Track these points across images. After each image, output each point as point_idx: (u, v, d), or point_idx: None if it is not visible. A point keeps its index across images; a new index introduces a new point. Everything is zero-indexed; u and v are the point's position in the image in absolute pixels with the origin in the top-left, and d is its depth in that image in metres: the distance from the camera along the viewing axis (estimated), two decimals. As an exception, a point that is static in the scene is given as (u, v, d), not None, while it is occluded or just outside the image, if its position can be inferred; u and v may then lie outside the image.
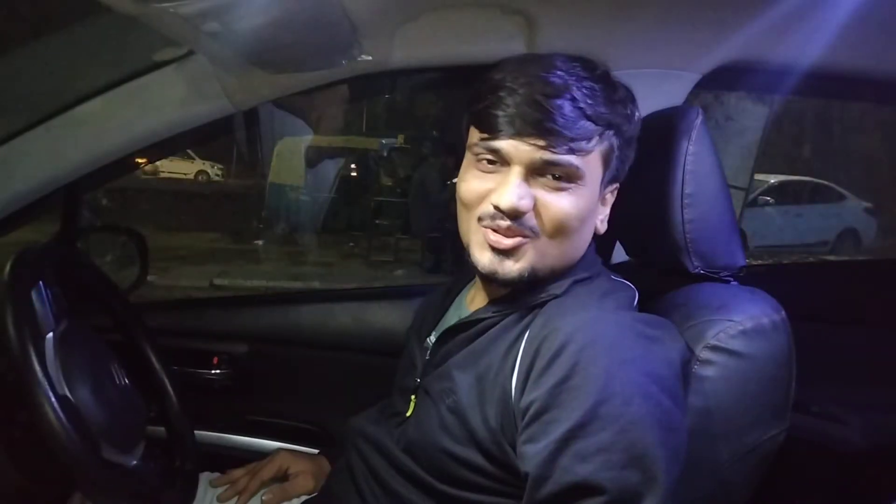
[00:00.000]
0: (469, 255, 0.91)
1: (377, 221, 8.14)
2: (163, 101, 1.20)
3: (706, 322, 0.91)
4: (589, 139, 0.84)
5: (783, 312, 0.93)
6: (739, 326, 0.89)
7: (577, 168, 0.84)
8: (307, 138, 8.14)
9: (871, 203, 9.10)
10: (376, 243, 7.85)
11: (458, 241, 0.96)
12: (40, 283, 0.95)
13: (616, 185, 0.94)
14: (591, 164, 0.86)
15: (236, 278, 6.60)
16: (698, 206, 0.96)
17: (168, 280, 6.27)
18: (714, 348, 0.89)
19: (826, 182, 9.33)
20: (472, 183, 0.88)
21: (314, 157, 8.51)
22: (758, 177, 8.62)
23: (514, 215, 0.84)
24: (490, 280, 0.90)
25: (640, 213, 1.04)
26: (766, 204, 8.90)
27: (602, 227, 0.94)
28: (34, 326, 0.90)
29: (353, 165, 8.86)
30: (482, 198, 0.87)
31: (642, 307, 1.02)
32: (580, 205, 0.86)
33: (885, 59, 1.22)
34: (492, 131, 0.85)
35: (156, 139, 1.23)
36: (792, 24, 1.10)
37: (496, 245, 0.86)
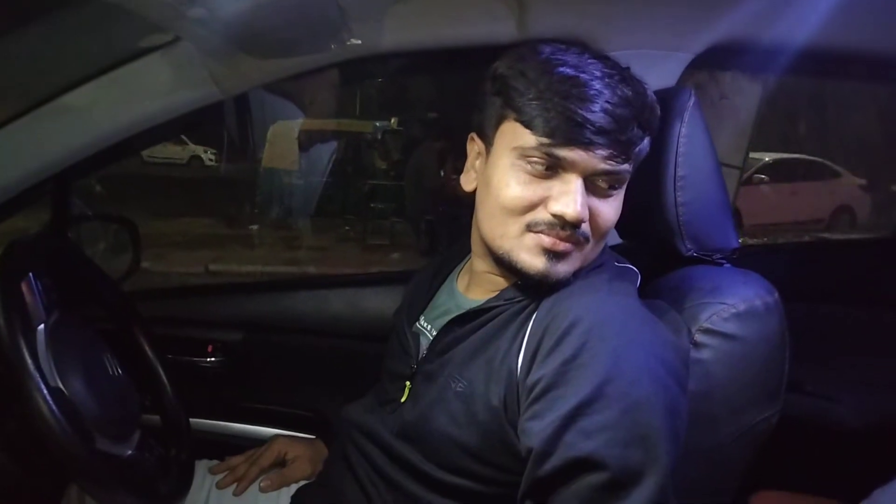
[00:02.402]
0: (509, 260, 0.87)
1: (372, 205, 8.11)
2: (150, 88, 1.19)
3: (699, 305, 0.91)
4: (639, 145, 0.86)
5: (776, 294, 0.93)
6: (732, 309, 0.89)
7: (628, 173, 0.86)
8: (300, 122, 8.08)
9: (865, 180, 9.11)
10: (371, 227, 7.81)
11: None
12: (30, 274, 0.95)
13: None
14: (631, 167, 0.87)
15: (231, 264, 6.58)
16: (691, 188, 0.96)
17: (163, 266, 6.24)
18: (707, 331, 0.89)
19: (821, 159, 9.33)
20: (521, 189, 0.85)
21: (307, 141, 8.45)
22: (752, 155, 8.59)
23: (578, 225, 0.83)
24: (537, 282, 0.87)
25: (633, 196, 1.03)
26: (761, 182, 8.89)
27: None
28: (25, 318, 0.90)
29: (346, 149, 8.81)
30: (534, 205, 0.85)
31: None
32: (620, 208, 0.88)
33: (877, 38, 1.21)
34: (554, 137, 0.81)
35: (144, 126, 1.22)
36: (784, 3, 1.09)
37: (553, 248, 0.84)
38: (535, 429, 0.76)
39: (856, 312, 1.58)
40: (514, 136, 0.85)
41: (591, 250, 0.89)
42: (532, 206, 0.85)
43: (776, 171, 8.95)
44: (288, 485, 1.18)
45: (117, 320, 1.19)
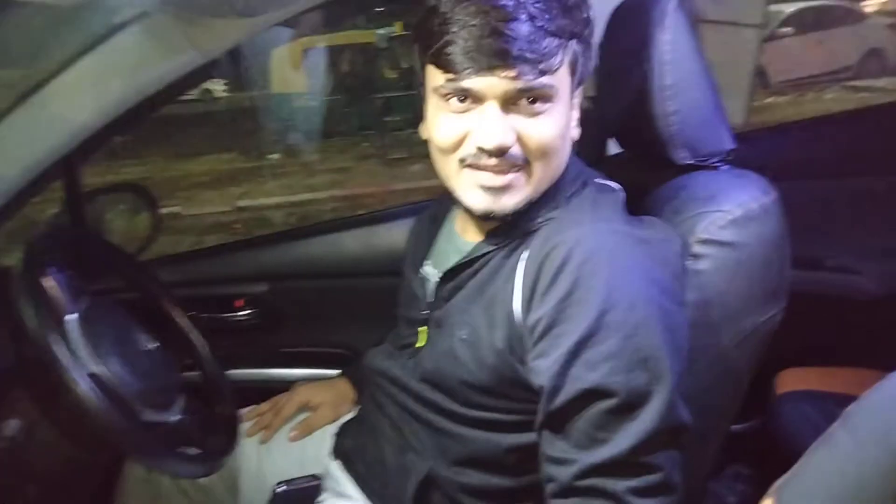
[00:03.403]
0: (459, 200, 0.90)
1: (387, 119, 7.98)
2: (132, 61, 1.18)
3: (696, 216, 0.92)
4: (556, 56, 0.82)
5: (774, 193, 0.93)
6: (729, 216, 0.90)
7: (551, 87, 0.83)
8: (302, 41, 7.90)
9: (893, 18, 8.64)
10: (390, 140, 7.73)
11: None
12: (52, 268, 0.99)
13: (581, 88, 0.92)
14: (561, 78, 0.85)
15: (259, 197, 6.63)
16: (680, 95, 0.95)
17: (193, 208, 6.34)
18: (705, 241, 0.90)
19: (845, 3, 8.85)
20: (447, 127, 0.86)
21: (313, 60, 8.29)
22: (772, 7, 8.20)
23: (501, 152, 0.83)
24: (486, 219, 0.90)
25: (626, 107, 1.02)
26: (785, 36, 8.52)
27: (576, 133, 0.93)
28: (53, 313, 0.95)
29: (353, 62, 8.63)
30: (461, 140, 0.86)
31: (636, 202, 1.02)
32: (559, 122, 0.86)
33: None
34: (457, 70, 0.81)
35: (136, 100, 1.22)
36: None
37: (490, 185, 0.86)
38: (542, 367, 0.80)
39: (873, 183, 1.56)
40: (432, 78, 0.86)
41: (541, 172, 0.87)
42: (460, 142, 0.86)
43: (799, 22, 8.55)
44: (314, 431, 1.24)
45: (144, 294, 1.24)
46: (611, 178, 0.99)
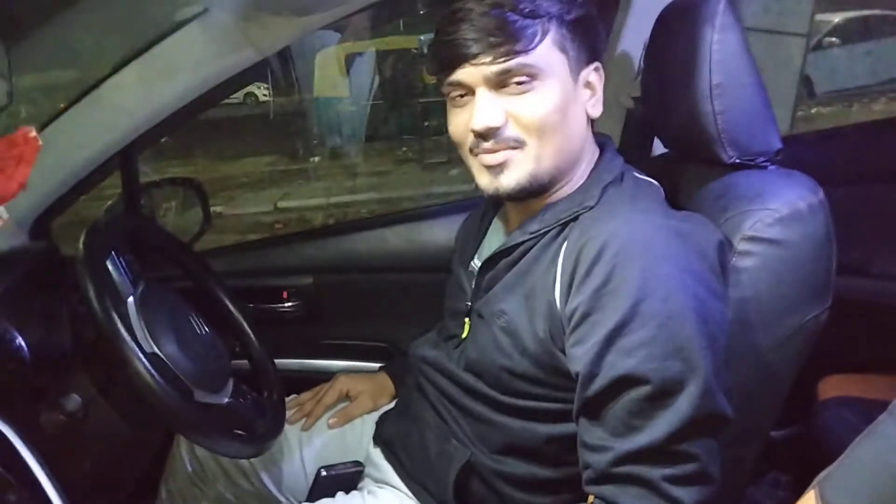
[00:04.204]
0: (477, 186, 0.96)
1: (426, 123, 8.03)
2: (191, 58, 1.23)
3: (743, 213, 0.92)
4: (529, 37, 0.87)
5: (821, 193, 0.93)
6: (776, 214, 0.90)
7: (531, 66, 0.87)
8: (345, 46, 8.00)
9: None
10: (429, 145, 7.78)
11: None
12: (113, 253, 1.03)
13: (596, 65, 0.95)
14: (544, 56, 0.88)
15: (299, 199, 6.74)
16: (728, 95, 0.95)
17: (235, 209, 6.47)
18: (751, 239, 0.90)
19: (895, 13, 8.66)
20: (455, 121, 0.94)
21: (355, 65, 8.39)
22: (819, 17, 8.05)
23: (490, 133, 0.89)
24: (497, 198, 0.96)
25: (673, 106, 1.03)
26: (832, 46, 8.36)
27: (594, 112, 0.96)
28: (115, 295, 0.99)
29: (395, 67, 8.69)
30: (467, 131, 0.92)
31: (682, 200, 1.03)
32: (552, 98, 0.89)
33: None
34: (446, 67, 0.90)
35: (193, 96, 1.27)
36: None
37: (487, 163, 0.92)
38: (578, 354, 0.82)
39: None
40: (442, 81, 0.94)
41: (540, 148, 0.90)
42: (466, 132, 0.92)
43: (847, 32, 8.38)
44: (351, 420, 1.27)
45: (196, 281, 1.29)
46: (656, 178, 1.00)
